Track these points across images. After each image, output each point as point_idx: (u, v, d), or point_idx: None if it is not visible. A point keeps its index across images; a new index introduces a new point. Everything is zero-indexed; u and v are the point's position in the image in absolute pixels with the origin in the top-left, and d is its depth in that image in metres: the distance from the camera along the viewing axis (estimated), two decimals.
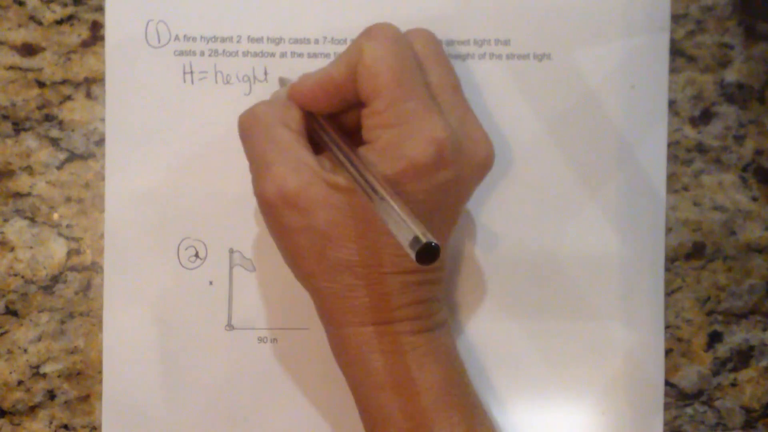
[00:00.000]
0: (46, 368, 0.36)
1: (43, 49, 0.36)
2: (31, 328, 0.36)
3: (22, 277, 0.36)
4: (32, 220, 0.36)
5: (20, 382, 0.36)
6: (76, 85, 0.36)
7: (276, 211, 0.30)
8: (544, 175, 0.36)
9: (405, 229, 0.25)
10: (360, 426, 0.36)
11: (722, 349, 0.37)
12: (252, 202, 0.36)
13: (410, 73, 0.30)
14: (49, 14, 0.36)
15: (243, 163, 0.36)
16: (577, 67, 0.36)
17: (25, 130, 0.36)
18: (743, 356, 0.37)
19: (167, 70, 0.36)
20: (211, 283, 0.36)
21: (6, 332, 0.36)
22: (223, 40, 0.36)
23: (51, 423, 0.36)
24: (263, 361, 0.36)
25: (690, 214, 0.37)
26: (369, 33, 0.31)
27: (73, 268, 0.36)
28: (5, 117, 0.36)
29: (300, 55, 0.36)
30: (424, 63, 0.31)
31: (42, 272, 0.36)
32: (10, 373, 0.36)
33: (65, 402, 0.36)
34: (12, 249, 0.36)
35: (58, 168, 0.36)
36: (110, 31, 0.36)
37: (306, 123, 0.32)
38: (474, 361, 0.36)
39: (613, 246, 0.36)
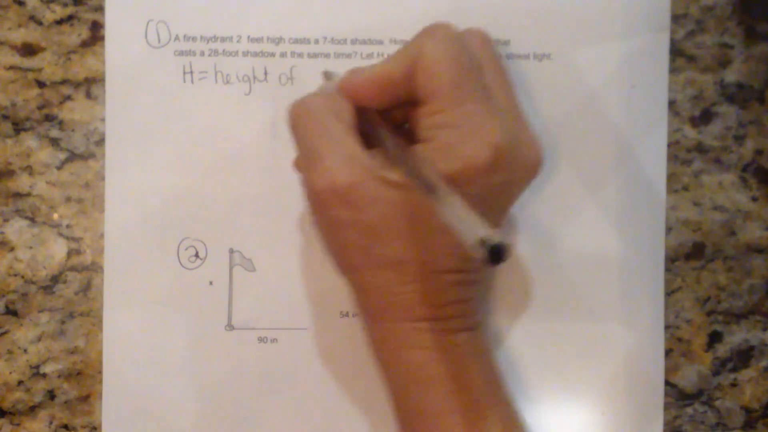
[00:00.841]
0: (46, 368, 0.36)
1: (43, 49, 0.36)
2: (31, 328, 0.36)
3: (22, 277, 0.36)
4: (32, 220, 0.36)
5: (20, 382, 0.36)
6: (76, 85, 0.36)
7: (325, 205, 0.30)
8: (544, 175, 0.36)
9: (472, 227, 0.25)
10: (359, 426, 0.36)
11: (722, 349, 0.37)
12: (251, 202, 0.36)
13: (470, 74, 0.30)
14: (49, 14, 0.36)
15: (242, 163, 0.36)
16: (577, 67, 0.36)
17: (25, 130, 0.36)
18: (743, 356, 0.37)
19: (167, 70, 0.36)
20: (211, 283, 0.36)
21: (6, 332, 0.36)
22: (223, 40, 0.36)
23: (51, 423, 0.36)
24: (263, 361, 0.36)
25: (690, 214, 0.37)
26: (430, 32, 0.30)
27: (73, 268, 0.36)
28: (5, 117, 0.36)
29: (300, 55, 0.36)
30: (481, 64, 0.31)
31: (42, 272, 0.36)
32: (10, 373, 0.36)
33: (65, 402, 0.36)
34: (12, 249, 0.36)
35: (58, 168, 0.36)
36: (110, 31, 0.36)
37: (358, 117, 0.31)
38: None
39: (613, 246, 0.36)
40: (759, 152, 0.37)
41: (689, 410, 0.37)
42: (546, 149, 0.36)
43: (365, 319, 0.32)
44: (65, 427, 0.36)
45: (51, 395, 0.36)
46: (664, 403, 0.37)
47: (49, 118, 0.36)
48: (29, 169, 0.36)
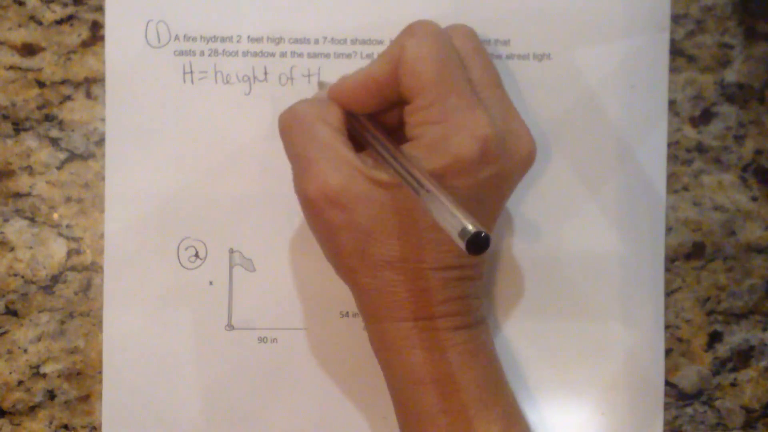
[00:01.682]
0: (46, 368, 0.36)
1: (43, 49, 0.36)
2: (31, 328, 0.36)
3: (22, 277, 0.36)
4: (32, 220, 0.36)
5: (20, 382, 0.36)
6: (76, 85, 0.36)
7: (318, 209, 0.30)
8: (544, 175, 0.36)
9: (453, 220, 0.25)
10: (359, 426, 0.36)
11: (722, 349, 0.37)
12: (251, 202, 0.36)
13: (453, 69, 0.30)
14: (49, 14, 0.36)
15: (242, 163, 0.36)
16: (577, 67, 0.36)
17: (25, 130, 0.36)
18: (743, 356, 0.37)
19: (167, 70, 0.36)
20: (211, 283, 0.36)
21: (6, 332, 0.36)
22: (223, 40, 0.36)
23: (51, 423, 0.36)
24: (263, 361, 0.36)
25: (690, 214, 0.37)
26: (410, 30, 0.31)
27: (73, 268, 0.36)
28: (5, 117, 0.36)
29: (300, 55, 0.36)
30: (465, 59, 0.31)
31: (42, 272, 0.36)
32: (10, 373, 0.36)
33: (65, 402, 0.36)
34: (12, 249, 0.36)
35: (58, 168, 0.36)
36: (110, 31, 0.36)
37: (347, 121, 0.32)
38: None
39: (613, 246, 0.36)
40: (759, 152, 0.37)
41: (689, 410, 0.37)
42: (546, 149, 0.36)
43: (365, 320, 0.32)
44: (65, 427, 0.36)
45: (51, 395, 0.36)
46: (664, 403, 0.37)
47: (49, 118, 0.36)
48: (29, 169, 0.36)
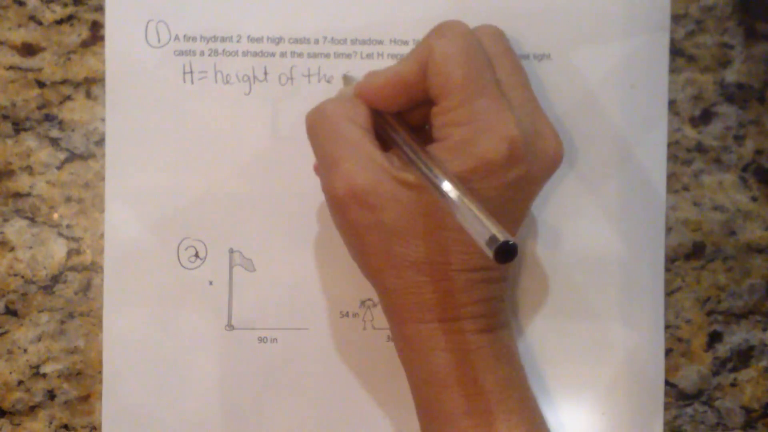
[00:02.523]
0: (46, 368, 0.36)
1: (43, 49, 0.36)
2: (31, 328, 0.36)
3: (22, 277, 0.36)
4: (32, 220, 0.36)
5: (20, 382, 0.36)
6: (76, 85, 0.36)
7: (345, 208, 0.30)
8: None
9: (481, 227, 0.25)
10: (359, 426, 0.36)
11: (722, 349, 0.37)
12: (251, 202, 0.36)
13: (481, 70, 0.30)
14: (49, 14, 0.36)
15: (242, 163, 0.36)
16: (576, 67, 0.36)
17: (25, 130, 0.36)
18: (743, 356, 0.37)
19: (167, 70, 0.36)
20: (211, 283, 0.36)
21: (6, 332, 0.36)
22: (223, 39, 0.36)
23: (51, 423, 0.36)
24: (263, 361, 0.36)
25: (690, 214, 0.37)
26: (439, 30, 0.31)
27: (73, 268, 0.36)
28: (5, 117, 0.36)
29: (300, 55, 0.36)
30: (493, 59, 0.31)
31: (42, 272, 0.36)
32: (10, 373, 0.36)
33: (65, 402, 0.36)
34: (12, 249, 0.36)
35: (58, 168, 0.36)
36: (110, 31, 0.36)
37: (374, 120, 0.32)
38: None
39: (613, 246, 0.36)
40: (759, 152, 0.37)
41: (689, 410, 0.37)
42: None
43: (389, 320, 0.32)
44: (65, 427, 0.36)
45: (51, 395, 0.36)
46: (664, 403, 0.37)
47: (49, 118, 0.36)
48: (29, 169, 0.36)
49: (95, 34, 0.36)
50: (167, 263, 0.36)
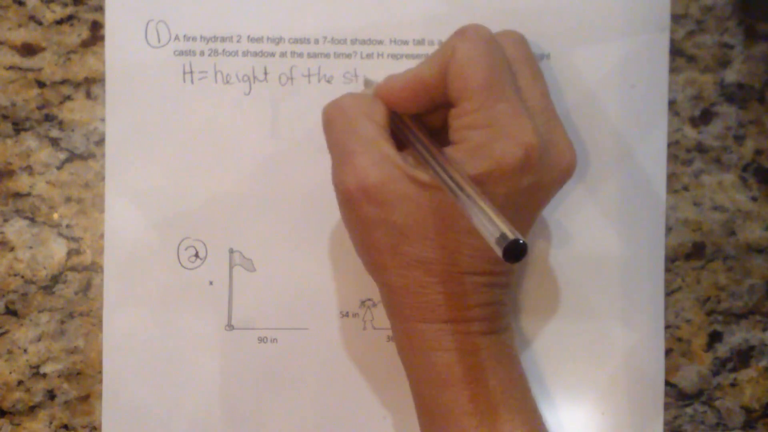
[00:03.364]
0: (46, 368, 0.36)
1: (43, 49, 0.36)
2: (31, 328, 0.36)
3: (22, 277, 0.36)
4: (32, 220, 0.36)
5: (20, 382, 0.36)
6: (76, 85, 0.36)
7: (354, 203, 0.30)
8: None
9: (492, 226, 0.25)
10: (359, 426, 0.36)
11: (722, 349, 0.37)
12: (251, 202, 0.36)
13: (502, 75, 0.30)
14: (49, 14, 0.36)
15: (242, 163, 0.36)
16: (576, 67, 0.36)
17: (25, 130, 0.36)
18: (743, 356, 0.37)
19: (167, 70, 0.36)
20: (211, 283, 0.36)
21: (6, 332, 0.36)
22: (223, 39, 0.36)
23: (51, 423, 0.36)
24: (263, 361, 0.36)
25: (690, 214, 0.37)
26: (462, 33, 0.30)
27: (73, 268, 0.36)
28: (5, 117, 0.36)
29: (300, 55, 0.36)
30: (514, 66, 0.31)
31: (42, 272, 0.36)
32: (10, 373, 0.36)
33: (65, 402, 0.36)
34: (12, 249, 0.36)
35: (58, 168, 0.36)
36: (110, 31, 0.36)
37: (390, 119, 0.32)
38: None
39: (613, 246, 0.36)
40: (759, 152, 0.37)
41: (689, 410, 0.37)
42: None
43: (391, 318, 0.32)
44: (65, 427, 0.36)
45: (51, 395, 0.36)
46: (664, 403, 0.37)
47: (49, 118, 0.36)
48: (29, 169, 0.36)
49: (95, 34, 0.36)
50: (167, 263, 0.36)
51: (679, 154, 0.37)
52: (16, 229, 0.36)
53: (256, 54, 0.36)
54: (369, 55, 0.36)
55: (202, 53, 0.36)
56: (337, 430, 0.36)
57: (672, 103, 0.37)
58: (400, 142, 0.31)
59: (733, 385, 0.37)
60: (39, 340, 0.36)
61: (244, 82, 0.36)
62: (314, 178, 0.36)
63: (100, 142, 0.36)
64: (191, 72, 0.36)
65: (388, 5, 0.36)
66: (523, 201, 0.30)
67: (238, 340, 0.36)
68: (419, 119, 0.32)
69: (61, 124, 0.36)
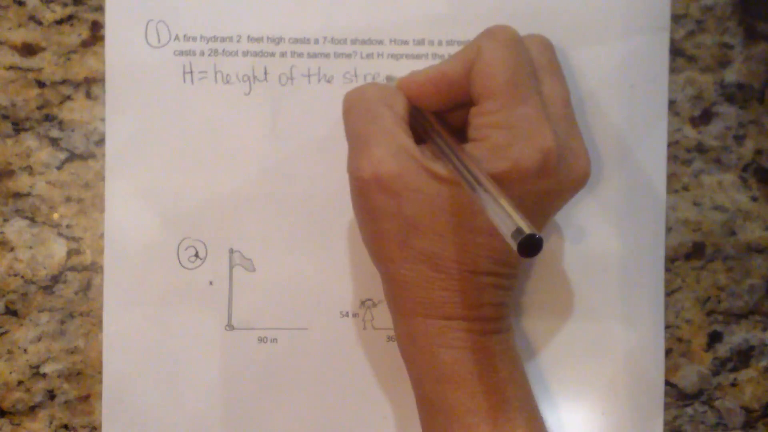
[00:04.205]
0: (46, 368, 0.36)
1: (43, 49, 0.36)
2: (31, 328, 0.36)
3: (22, 277, 0.36)
4: (32, 220, 0.36)
5: (20, 382, 0.36)
6: (76, 85, 0.36)
7: (367, 191, 0.30)
8: None
9: (508, 220, 0.25)
10: (359, 426, 0.36)
11: (722, 349, 0.37)
12: (251, 202, 0.36)
13: (526, 78, 0.30)
14: (49, 14, 0.36)
15: (242, 163, 0.36)
16: (576, 67, 0.36)
17: (25, 130, 0.36)
18: (743, 356, 0.37)
19: (167, 70, 0.36)
20: (211, 283, 0.36)
21: (6, 332, 0.36)
22: (223, 39, 0.36)
23: (51, 423, 0.36)
24: (263, 361, 0.36)
25: (690, 214, 0.37)
26: (489, 33, 0.31)
27: (73, 268, 0.36)
28: (5, 117, 0.36)
29: (300, 55, 0.36)
30: (538, 70, 0.31)
31: (42, 272, 0.36)
32: (10, 373, 0.36)
33: (65, 402, 0.36)
34: (12, 249, 0.36)
35: (58, 168, 0.36)
36: (110, 31, 0.36)
37: (411, 112, 0.32)
38: None
39: (613, 246, 0.36)
40: (759, 152, 0.37)
41: (689, 410, 0.37)
42: None
43: (393, 312, 0.32)
44: (65, 427, 0.36)
45: (51, 395, 0.36)
46: (664, 403, 0.37)
47: (49, 118, 0.36)
48: (29, 169, 0.36)
49: (95, 34, 0.36)
50: (167, 263, 0.36)
51: (679, 154, 0.37)
52: (16, 229, 0.36)
53: (256, 54, 0.36)
54: (369, 55, 0.36)
55: (202, 53, 0.36)
56: (337, 430, 0.36)
57: (672, 103, 0.37)
58: (419, 137, 0.31)
59: (733, 385, 0.37)
60: (39, 340, 0.36)
61: (244, 82, 0.36)
62: (314, 178, 0.36)
63: (100, 142, 0.36)
64: (191, 72, 0.36)
65: (388, 5, 0.36)
66: (535, 206, 0.30)
67: (238, 340, 0.36)
68: (439, 115, 0.32)
69: (61, 124, 0.36)
